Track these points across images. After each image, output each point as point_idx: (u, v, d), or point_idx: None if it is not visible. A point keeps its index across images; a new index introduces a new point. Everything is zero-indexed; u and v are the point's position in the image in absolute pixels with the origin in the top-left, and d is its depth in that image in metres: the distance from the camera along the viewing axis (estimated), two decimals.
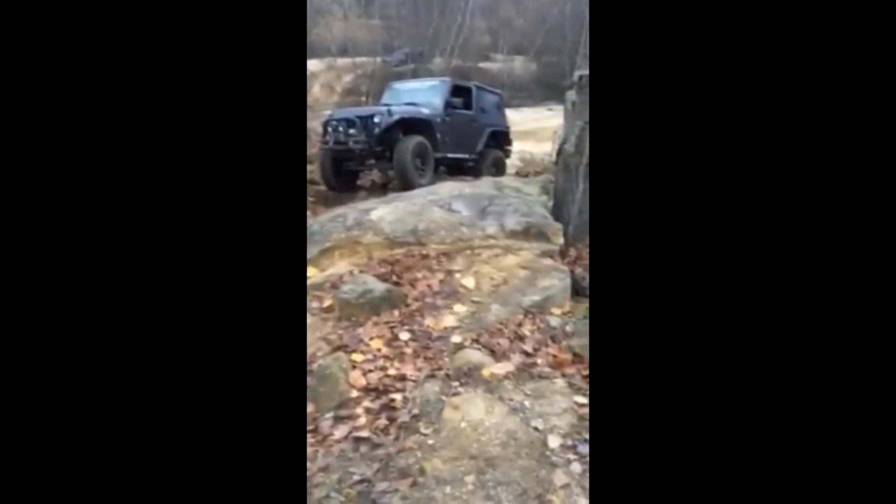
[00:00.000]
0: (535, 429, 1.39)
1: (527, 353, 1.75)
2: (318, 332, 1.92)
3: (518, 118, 9.48)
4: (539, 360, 1.71)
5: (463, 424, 1.39)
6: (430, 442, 1.35)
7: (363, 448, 1.36)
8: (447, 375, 1.62)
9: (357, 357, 1.70)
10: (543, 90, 16.86)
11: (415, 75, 11.31)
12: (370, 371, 1.65)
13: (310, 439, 1.40)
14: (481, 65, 17.31)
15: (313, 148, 6.09)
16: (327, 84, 14.41)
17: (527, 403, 1.49)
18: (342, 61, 13.78)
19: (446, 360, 1.72)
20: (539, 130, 9.75)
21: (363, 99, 11.46)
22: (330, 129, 5.00)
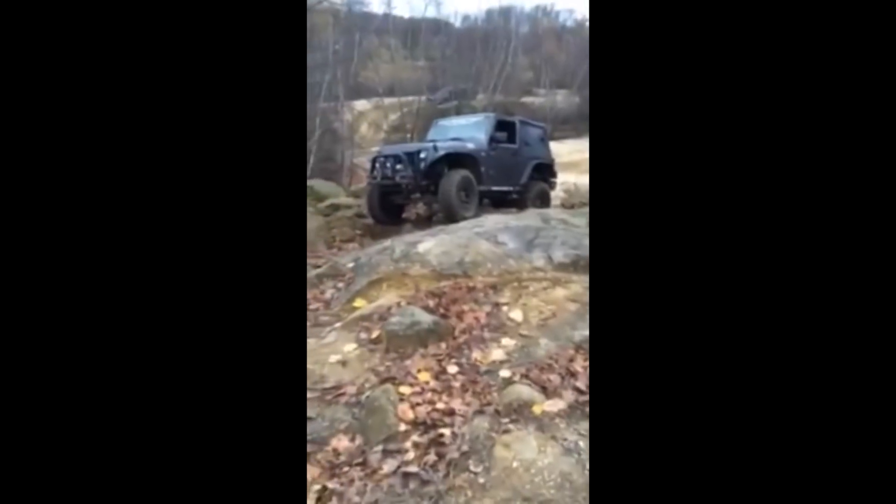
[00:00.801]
0: None
1: (579, 391, 1.68)
2: (367, 364, 1.93)
3: (562, 150, 9.48)
4: None
5: (515, 464, 1.34)
6: (481, 481, 1.30)
7: (412, 484, 1.33)
8: (497, 411, 1.58)
9: (405, 390, 1.69)
10: (586, 122, 16.84)
11: (458, 112, 11.62)
12: (418, 404, 1.63)
13: (359, 472, 1.39)
14: (524, 99, 17.58)
15: (361, 183, 6.35)
16: (374, 122, 15.05)
17: (581, 444, 1.42)
18: (389, 101, 14.40)
19: (495, 395, 1.68)
20: (583, 162, 9.69)
21: (409, 136, 11.85)
22: (378, 165, 5.18)
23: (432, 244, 2.83)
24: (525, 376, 1.75)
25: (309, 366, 1.86)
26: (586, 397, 1.64)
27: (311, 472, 1.39)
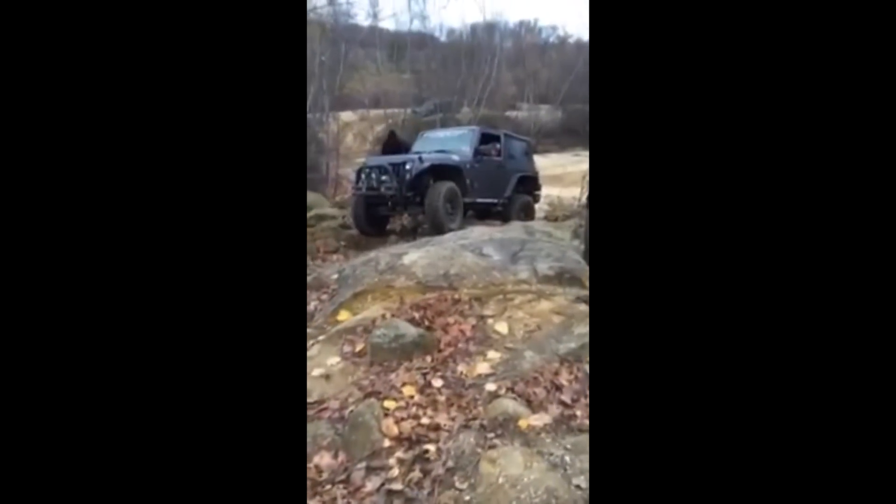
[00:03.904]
0: (578, 487, 1.30)
1: (565, 404, 1.68)
2: (351, 377, 1.90)
3: (545, 164, 9.60)
4: (578, 412, 1.63)
5: (500, 480, 1.32)
6: (467, 498, 1.28)
7: (396, 502, 1.30)
8: (482, 426, 1.56)
9: (390, 404, 1.67)
10: (570, 137, 17.12)
11: (443, 124, 11.70)
12: (403, 419, 1.61)
13: (342, 491, 1.36)
14: (508, 113, 17.79)
15: (346, 194, 6.32)
16: (360, 134, 15.05)
17: (567, 459, 1.41)
18: (374, 112, 14.44)
19: (480, 409, 1.66)
20: (566, 175, 9.82)
21: None
22: (363, 176, 5.17)
23: (417, 256, 2.82)
24: (510, 390, 1.74)
25: None
26: (572, 411, 1.64)
27: None
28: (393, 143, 6.39)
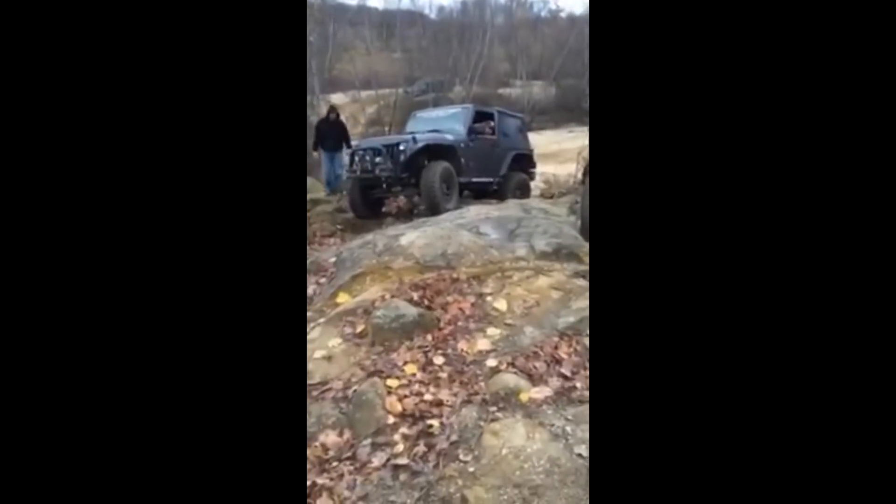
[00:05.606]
0: (580, 455, 1.33)
1: (565, 377, 1.70)
2: (353, 358, 1.92)
3: (540, 141, 9.53)
4: (578, 384, 1.66)
5: (504, 451, 1.35)
6: (471, 469, 1.31)
7: (402, 476, 1.33)
8: (484, 400, 1.59)
9: (392, 383, 1.69)
10: (564, 113, 16.97)
11: (435, 104, 11.56)
12: (406, 396, 1.63)
13: (348, 467, 1.39)
14: (500, 91, 17.60)
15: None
16: (352, 116, 14.87)
17: (568, 429, 1.44)
18: (366, 94, 14.26)
19: (482, 384, 1.69)
20: (561, 152, 9.75)
21: (386, 129, 11.76)
22: (357, 159, 5.12)
23: (415, 237, 2.82)
24: (511, 365, 1.76)
25: None
26: (572, 383, 1.67)
27: None
28: (332, 123, 6.29)
